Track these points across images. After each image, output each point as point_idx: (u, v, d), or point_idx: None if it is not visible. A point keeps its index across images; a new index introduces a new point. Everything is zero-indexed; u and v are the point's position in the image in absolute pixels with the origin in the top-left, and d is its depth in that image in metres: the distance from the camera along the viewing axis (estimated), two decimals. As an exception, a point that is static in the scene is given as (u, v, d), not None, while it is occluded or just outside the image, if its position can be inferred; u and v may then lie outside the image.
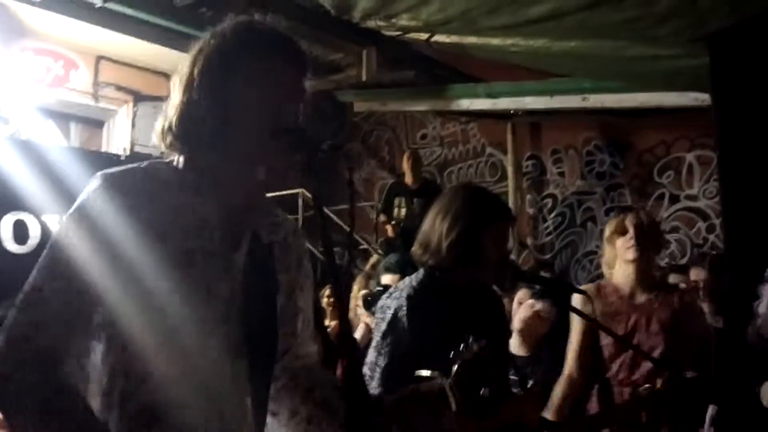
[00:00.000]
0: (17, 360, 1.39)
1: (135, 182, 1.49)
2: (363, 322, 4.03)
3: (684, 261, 7.38)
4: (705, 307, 4.04)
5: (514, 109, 7.83)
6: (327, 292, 5.57)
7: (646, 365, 3.13)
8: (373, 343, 2.46)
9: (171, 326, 1.45)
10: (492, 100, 7.56)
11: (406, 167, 8.00)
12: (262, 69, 1.51)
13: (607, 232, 3.43)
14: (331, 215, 8.76)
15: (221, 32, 1.55)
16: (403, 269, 4.53)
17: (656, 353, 3.14)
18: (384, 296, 2.58)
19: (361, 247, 8.79)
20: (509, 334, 2.87)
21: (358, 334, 4.03)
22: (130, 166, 1.53)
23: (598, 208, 8.18)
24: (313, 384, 1.71)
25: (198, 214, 1.51)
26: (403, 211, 7.87)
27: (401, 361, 2.34)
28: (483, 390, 1.92)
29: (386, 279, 4.00)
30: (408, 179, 7.98)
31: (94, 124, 6.75)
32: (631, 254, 3.30)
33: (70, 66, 6.36)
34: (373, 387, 2.36)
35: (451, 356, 1.94)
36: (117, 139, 6.75)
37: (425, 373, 1.92)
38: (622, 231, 3.35)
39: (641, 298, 3.31)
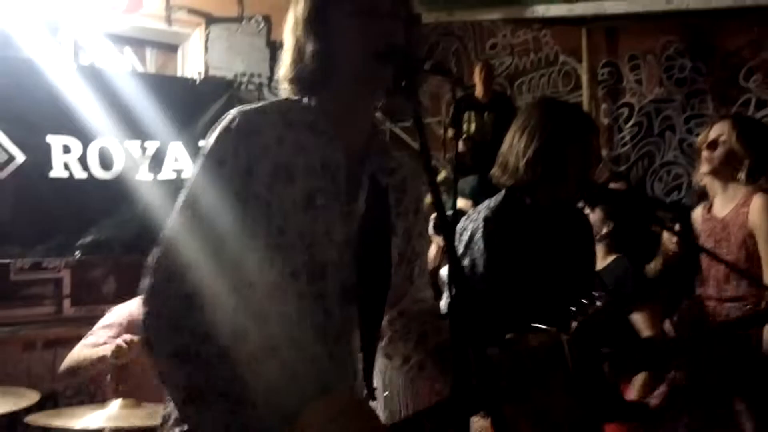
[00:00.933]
0: (165, 299, 1.44)
1: (266, 121, 1.52)
2: (435, 243, 4.02)
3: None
4: None
5: (593, 14, 7.50)
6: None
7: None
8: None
9: (292, 267, 1.48)
10: (568, 5, 7.25)
11: (478, 80, 7.83)
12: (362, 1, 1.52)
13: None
14: (399, 131, 8.73)
15: None
16: (476, 194, 4.49)
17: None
18: (463, 218, 2.56)
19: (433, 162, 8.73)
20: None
21: (430, 255, 4.03)
22: (262, 104, 1.58)
23: (677, 116, 7.89)
24: (426, 330, 1.72)
25: (323, 154, 1.54)
26: (474, 126, 7.74)
27: (476, 283, 2.36)
28: (602, 350, 1.88)
29: (461, 203, 3.99)
30: (479, 92, 7.83)
31: (169, 48, 6.76)
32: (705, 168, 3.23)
33: (142, -9, 6.38)
34: (443, 308, 2.35)
35: (571, 311, 1.89)
36: (191, 63, 6.75)
37: (541, 326, 1.87)
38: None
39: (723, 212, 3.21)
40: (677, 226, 4.01)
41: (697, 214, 3.44)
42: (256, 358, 1.47)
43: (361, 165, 1.60)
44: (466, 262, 2.40)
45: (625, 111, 8.35)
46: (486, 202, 2.51)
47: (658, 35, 7.94)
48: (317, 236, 1.50)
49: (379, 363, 1.70)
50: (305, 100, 1.60)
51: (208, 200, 1.46)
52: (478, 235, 2.41)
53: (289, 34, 1.57)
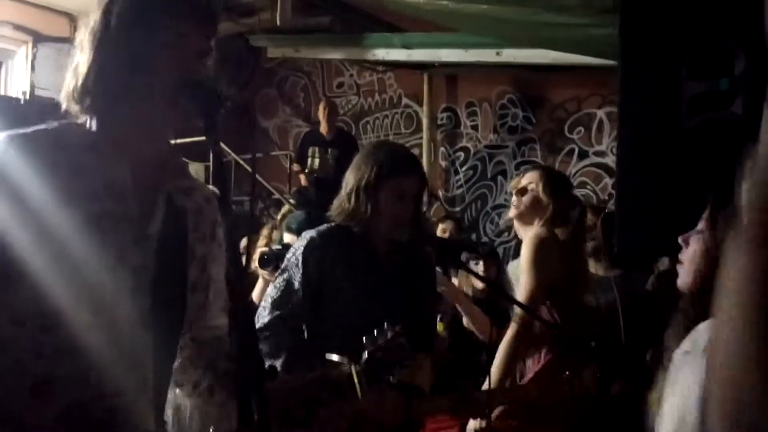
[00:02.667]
0: None
1: (40, 146, 1.45)
2: (261, 277, 3.97)
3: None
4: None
5: (429, 60, 7.80)
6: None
7: None
8: (274, 278, 2.59)
9: (71, 297, 1.41)
10: (407, 50, 7.51)
11: (322, 116, 7.92)
12: (177, 31, 1.48)
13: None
14: (243, 164, 8.67)
15: None
16: (302, 229, 4.50)
17: None
18: (298, 239, 2.66)
19: (275, 196, 8.70)
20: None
21: (256, 291, 3.97)
22: (37, 128, 1.49)
23: (509, 162, 8.29)
24: (217, 355, 1.68)
25: (108, 176, 1.48)
26: (317, 161, 7.79)
27: (290, 295, 2.47)
28: (391, 377, 1.93)
29: (287, 238, 3.96)
30: (323, 129, 7.90)
31: None
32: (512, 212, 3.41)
33: (-35, 4, 6.03)
34: (263, 316, 2.48)
35: (363, 341, 1.94)
36: (16, 82, 6.42)
37: (334, 357, 1.95)
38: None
39: None
40: (480, 268, 4.18)
41: None
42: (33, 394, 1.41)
43: (154, 185, 1.54)
44: (285, 275, 2.51)
45: (462, 155, 8.69)
46: (322, 226, 2.60)
47: (494, 84, 8.35)
48: (107, 261, 1.44)
49: (171, 393, 1.65)
50: (84, 121, 1.52)
51: None
52: (300, 251, 2.50)
53: (91, 46, 1.49)
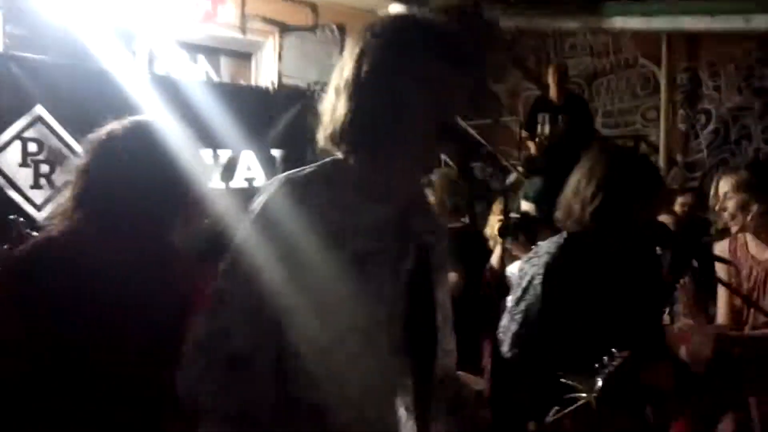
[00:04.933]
0: (209, 362, 1.47)
1: (315, 187, 1.51)
2: (499, 246, 4.08)
3: None
4: None
5: (671, 29, 7.41)
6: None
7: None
8: (508, 306, 2.45)
9: (343, 329, 1.49)
10: (646, 18, 7.17)
11: (552, 81, 7.78)
12: (432, 71, 1.48)
13: None
14: (472, 131, 8.84)
15: (381, 30, 1.52)
16: (540, 198, 4.53)
17: None
18: (524, 259, 2.58)
19: (504, 163, 8.80)
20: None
21: (495, 258, 4.12)
22: (310, 169, 1.56)
23: (754, 125, 7.76)
24: (456, 392, 1.74)
25: (372, 215, 1.53)
26: (547, 128, 7.71)
27: (531, 328, 2.35)
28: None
29: (525, 206, 4.05)
30: (553, 94, 7.77)
31: (242, 57, 6.95)
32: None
33: (217, 1, 6.61)
34: (504, 351, 2.38)
35: (595, 368, 1.98)
36: (264, 72, 6.92)
37: (570, 380, 1.98)
38: None
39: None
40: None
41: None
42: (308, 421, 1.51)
43: (408, 224, 1.59)
44: (522, 306, 2.39)
45: (703, 117, 8.25)
46: (547, 245, 2.48)
47: (739, 43, 7.81)
48: (370, 294, 1.51)
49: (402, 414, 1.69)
50: (350, 160, 1.56)
51: (252, 262, 1.48)
52: (537, 280, 2.38)
53: (346, 90, 1.50)
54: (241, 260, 1.49)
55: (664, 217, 4.68)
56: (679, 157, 8.37)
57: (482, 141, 1.92)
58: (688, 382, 2.91)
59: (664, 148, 8.42)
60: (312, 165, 1.59)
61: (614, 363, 2.00)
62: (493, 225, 4.63)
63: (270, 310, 1.46)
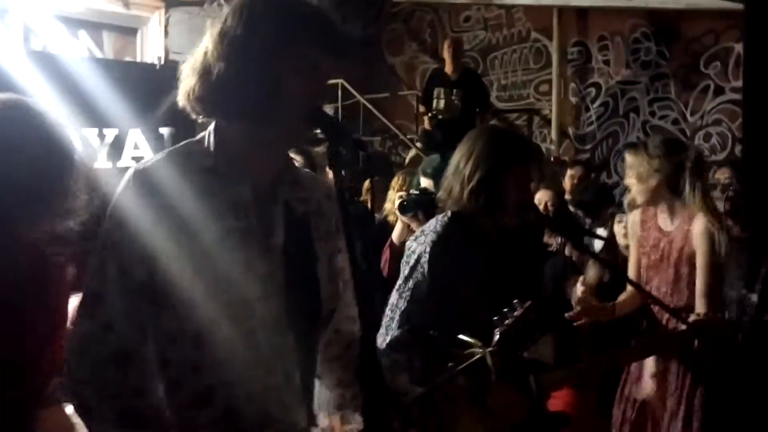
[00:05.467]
0: (93, 362, 1.47)
1: (165, 175, 1.51)
2: (400, 222, 4.07)
3: (724, 155, 7.30)
4: (726, 206, 4.02)
5: (561, 4, 7.55)
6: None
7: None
8: (397, 285, 2.50)
9: (217, 312, 1.48)
10: (540, -8, 7.27)
11: (447, 56, 7.79)
12: (315, 62, 1.50)
13: None
14: (369, 106, 8.82)
15: (263, 5, 1.50)
16: (438, 174, 4.54)
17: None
18: (411, 237, 2.62)
19: (401, 137, 8.84)
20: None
21: (395, 234, 4.11)
22: (159, 157, 1.57)
23: (642, 98, 8.03)
24: (355, 351, 1.75)
25: (230, 196, 1.53)
26: (442, 102, 7.72)
27: (419, 306, 2.41)
28: (524, 352, 2.01)
29: (424, 183, 4.03)
30: (448, 68, 7.79)
31: (127, 32, 6.67)
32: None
33: (98, -28, 6.27)
34: (393, 328, 2.43)
35: (493, 321, 2.04)
36: (150, 48, 6.67)
37: (465, 338, 2.02)
38: None
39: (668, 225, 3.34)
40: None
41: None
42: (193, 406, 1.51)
43: (273, 198, 1.58)
44: (410, 284, 2.44)
45: (593, 91, 8.48)
46: (432, 223, 2.56)
47: (627, 17, 8.05)
48: (237, 275, 1.50)
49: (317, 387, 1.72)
50: (206, 139, 1.56)
51: (119, 257, 1.48)
52: (424, 259, 2.43)
53: (222, 47, 1.48)
54: (108, 256, 1.49)
55: (543, 193, 4.78)
56: (570, 130, 8.58)
57: (347, 127, 1.89)
58: (572, 353, 2.99)
59: (556, 121, 8.61)
60: (163, 152, 1.60)
61: (514, 315, 2.06)
62: (393, 201, 4.67)
63: (146, 300, 1.48)
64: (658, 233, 3.31)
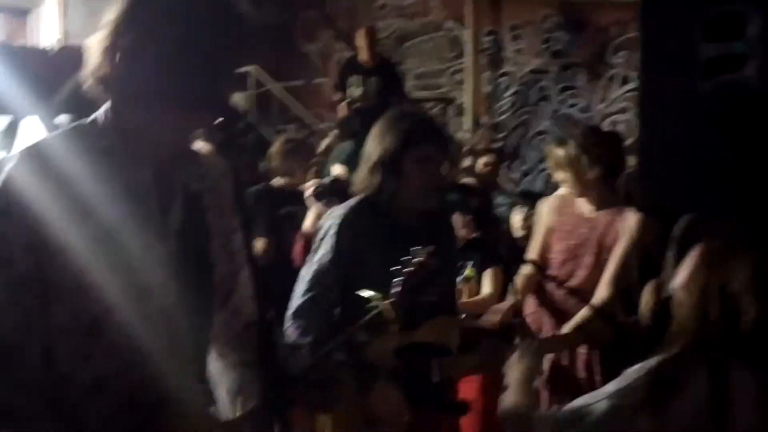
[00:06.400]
0: None
1: (57, 156, 1.45)
2: (314, 208, 4.07)
3: (630, 142, 7.47)
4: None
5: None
6: None
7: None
8: (308, 257, 2.59)
9: (111, 301, 1.45)
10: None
11: (362, 44, 7.79)
12: (216, 46, 1.46)
13: None
14: (284, 93, 8.71)
15: None
16: (351, 161, 4.54)
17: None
18: (325, 215, 2.72)
19: (316, 127, 8.77)
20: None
21: (307, 223, 4.10)
22: (51, 137, 1.53)
23: (552, 87, 8.16)
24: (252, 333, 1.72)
25: (126, 180, 1.49)
26: (359, 90, 7.72)
27: (324, 276, 2.49)
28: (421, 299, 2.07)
29: (336, 170, 4.05)
30: (364, 56, 7.78)
31: (18, 13, 6.33)
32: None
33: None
34: (297, 297, 2.51)
35: (392, 272, 2.09)
36: (45, 31, 6.34)
37: (365, 293, 2.04)
38: None
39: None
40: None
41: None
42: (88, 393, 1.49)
43: (171, 179, 1.56)
44: (317, 255, 2.52)
45: (506, 80, 8.56)
46: (345, 203, 2.61)
47: (539, 6, 8.15)
48: (135, 261, 1.47)
49: (214, 364, 1.75)
50: (100, 118, 1.52)
51: (2, 246, 1.41)
52: (332, 231, 2.51)
53: (122, 23, 1.44)
54: None
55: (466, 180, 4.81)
56: (484, 119, 8.66)
57: (241, 112, 1.89)
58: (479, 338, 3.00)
59: (470, 110, 8.67)
60: (56, 132, 1.56)
61: (413, 263, 2.10)
62: (308, 188, 4.67)
63: (31, 293, 1.42)
64: (577, 219, 3.35)
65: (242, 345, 1.76)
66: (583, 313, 3.18)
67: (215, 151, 1.61)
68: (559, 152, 3.35)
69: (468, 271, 3.84)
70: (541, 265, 3.43)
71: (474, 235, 3.47)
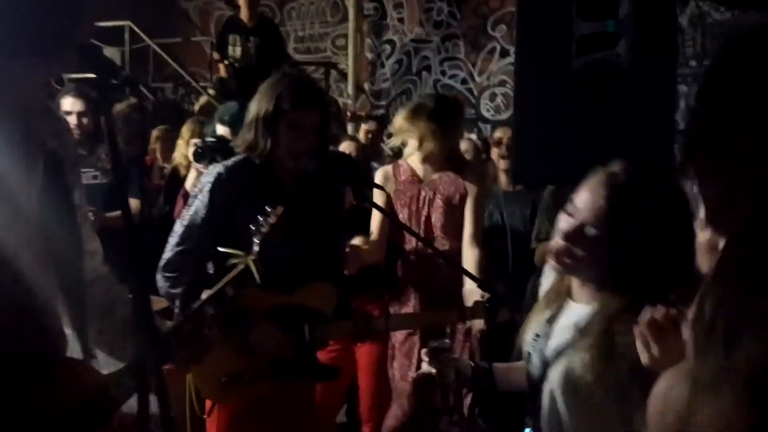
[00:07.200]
0: None
1: None
2: (193, 170, 3.97)
3: (507, 115, 7.69)
4: (503, 164, 4.27)
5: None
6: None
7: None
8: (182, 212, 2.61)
9: None
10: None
11: (242, 2, 7.59)
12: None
13: None
14: (160, 51, 8.41)
15: None
16: (235, 121, 4.45)
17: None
18: (205, 171, 2.74)
19: (194, 85, 8.52)
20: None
21: (189, 182, 4.00)
22: None
23: (433, 57, 8.25)
24: (115, 297, 1.73)
25: None
26: (238, 50, 7.52)
27: (195, 230, 2.51)
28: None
29: (220, 130, 3.95)
30: (244, 15, 7.58)
31: None
32: None
33: None
34: (168, 251, 2.52)
35: (251, 229, 2.13)
36: None
37: (226, 250, 2.12)
38: None
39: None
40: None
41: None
42: None
43: (31, 134, 1.51)
44: (191, 210, 2.53)
45: (388, 47, 8.59)
46: (225, 161, 2.62)
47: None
48: (5, 222, 1.45)
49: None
50: None
51: None
52: (207, 187, 2.52)
53: None
54: None
55: (347, 145, 4.80)
56: (366, 86, 8.66)
57: (117, 64, 1.85)
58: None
59: (352, 76, 8.65)
60: None
61: (269, 221, 2.16)
62: (181, 149, 4.51)
63: None
64: (415, 184, 3.37)
65: (90, 299, 1.71)
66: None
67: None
68: (404, 119, 3.39)
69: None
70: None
71: (354, 203, 3.46)
